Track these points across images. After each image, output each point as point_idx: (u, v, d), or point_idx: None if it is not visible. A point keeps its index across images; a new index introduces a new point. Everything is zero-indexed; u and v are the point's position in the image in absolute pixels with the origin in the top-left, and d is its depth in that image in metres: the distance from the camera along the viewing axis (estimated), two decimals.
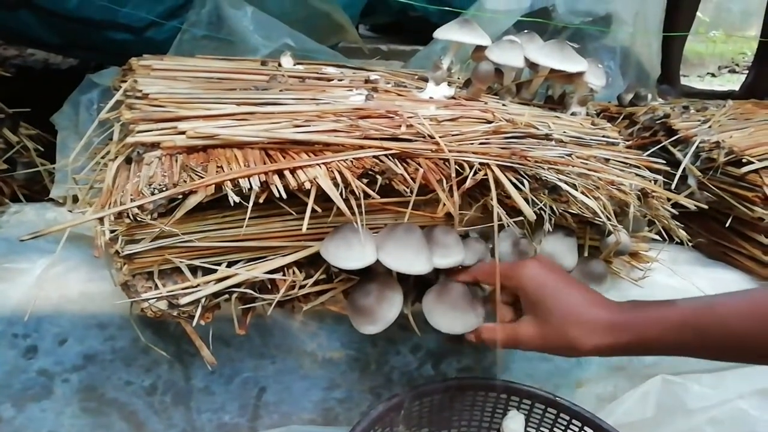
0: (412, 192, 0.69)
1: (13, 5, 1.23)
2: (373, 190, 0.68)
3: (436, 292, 0.74)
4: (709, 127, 1.11)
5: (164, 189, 0.62)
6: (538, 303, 0.66)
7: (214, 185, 0.62)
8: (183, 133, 0.67)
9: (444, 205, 0.72)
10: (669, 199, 0.87)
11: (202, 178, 0.62)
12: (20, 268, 0.81)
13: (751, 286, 0.99)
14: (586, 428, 0.79)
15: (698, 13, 2.31)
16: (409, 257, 0.70)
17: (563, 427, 0.81)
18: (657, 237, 0.90)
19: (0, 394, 0.80)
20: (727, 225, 1.03)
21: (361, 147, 0.71)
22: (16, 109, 1.10)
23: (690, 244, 0.96)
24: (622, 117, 1.22)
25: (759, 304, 0.58)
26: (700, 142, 1.05)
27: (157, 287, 0.67)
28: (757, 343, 0.57)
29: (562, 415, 0.81)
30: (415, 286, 0.78)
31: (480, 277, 0.74)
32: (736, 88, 2.45)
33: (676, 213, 0.88)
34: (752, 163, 0.99)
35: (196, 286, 0.67)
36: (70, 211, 0.89)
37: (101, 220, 0.63)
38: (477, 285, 0.76)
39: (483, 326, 0.72)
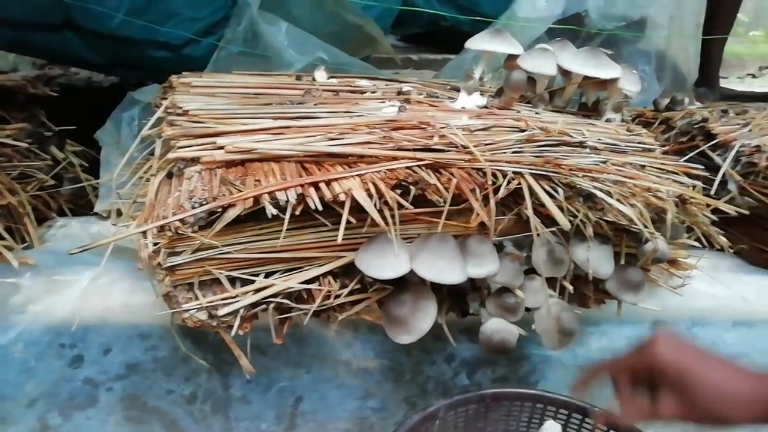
0: (445, 202, 0.70)
1: (57, 27, 1.28)
2: (407, 201, 0.69)
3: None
4: (750, 130, 1.08)
5: (204, 203, 0.64)
6: (681, 381, 0.62)
7: (252, 198, 0.64)
8: (222, 148, 0.69)
9: (477, 214, 0.72)
10: (708, 205, 0.85)
11: (241, 191, 0.64)
12: (67, 280, 0.84)
13: None
14: None
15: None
16: (442, 267, 0.70)
17: None
18: (696, 244, 0.89)
19: (47, 402, 0.83)
20: None
21: (395, 158, 0.72)
22: (61, 126, 1.15)
23: (731, 250, 0.93)
24: (658, 122, 1.20)
25: None
26: (740, 147, 1.03)
27: (197, 298, 0.69)
28: None
29: (600, 425, 0.80)
30: (450, 296, 0.79)
31: (611, 373, 0.67)
32: None
33: (716, 219, 0.86)
34: None
35: (234, 297, 0.69)
36: (114, 225, 0.92)
37: (144, 233, 0.65)
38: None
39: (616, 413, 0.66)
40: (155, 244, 0.65)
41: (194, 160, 0.70)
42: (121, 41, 1.29)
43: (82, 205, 1.11)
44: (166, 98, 0.86)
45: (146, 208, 0.71)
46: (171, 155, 0.71)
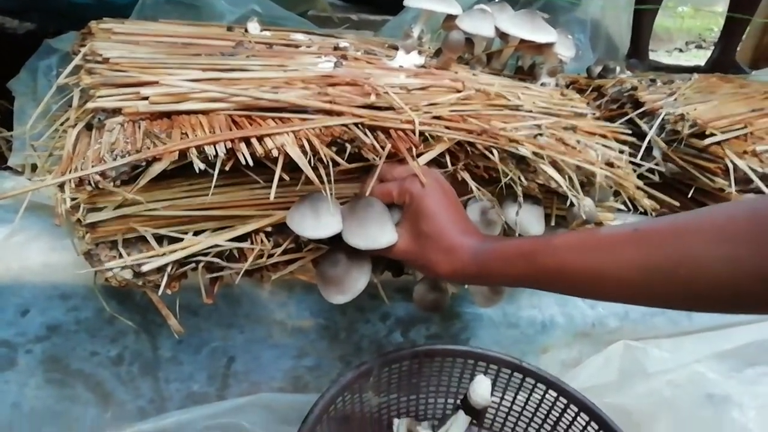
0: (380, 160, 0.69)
1: None
2: (342, 159, 0.68)
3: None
4: (675, 99, 1.12)
5: (127, 155, 0.60)
6: (415, 221, 0.68)
7: (178, 152, 0.60)
8: (146, 98, 0.66)
9: None
10: (634, 170, 0.88)
11: (166, 144, 0.61)
12: None
13: None
14: (550, 391, 0.82)
15: None
16: (373, 233, 0.69)
17: (528, 391, 0.83)
18: (622, 207, 0.92)
19: None
20: (689, 195, 1.06)
21: (331, 114, 0.70)
22: None
23: (654, 213, 0.98)
24: (590, 89, 1.23)
25: (589, 238, 0.59)
26: (665, 115, 1.07)
27: (121, 256, 0.66)
28: (581, 276, 0.57)
29: (527, 379, 0.83)
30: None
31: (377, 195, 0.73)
32: (703, 63, 2.49)
33: (641, 183, 0.90)
34: (715, 135, 1.01)
35: (161, 255, 0.66)
36: (29, 180, 0.87)
37: (61, 186, 0.61)
38: None
39: None
40: (74, 199, 0.61)
41: (116, 111, 0.66)
42: None
43: None
44: (85, 45, 0.80)
45: (63, 160, 0.66)
46: (90, 105, 0.66)
